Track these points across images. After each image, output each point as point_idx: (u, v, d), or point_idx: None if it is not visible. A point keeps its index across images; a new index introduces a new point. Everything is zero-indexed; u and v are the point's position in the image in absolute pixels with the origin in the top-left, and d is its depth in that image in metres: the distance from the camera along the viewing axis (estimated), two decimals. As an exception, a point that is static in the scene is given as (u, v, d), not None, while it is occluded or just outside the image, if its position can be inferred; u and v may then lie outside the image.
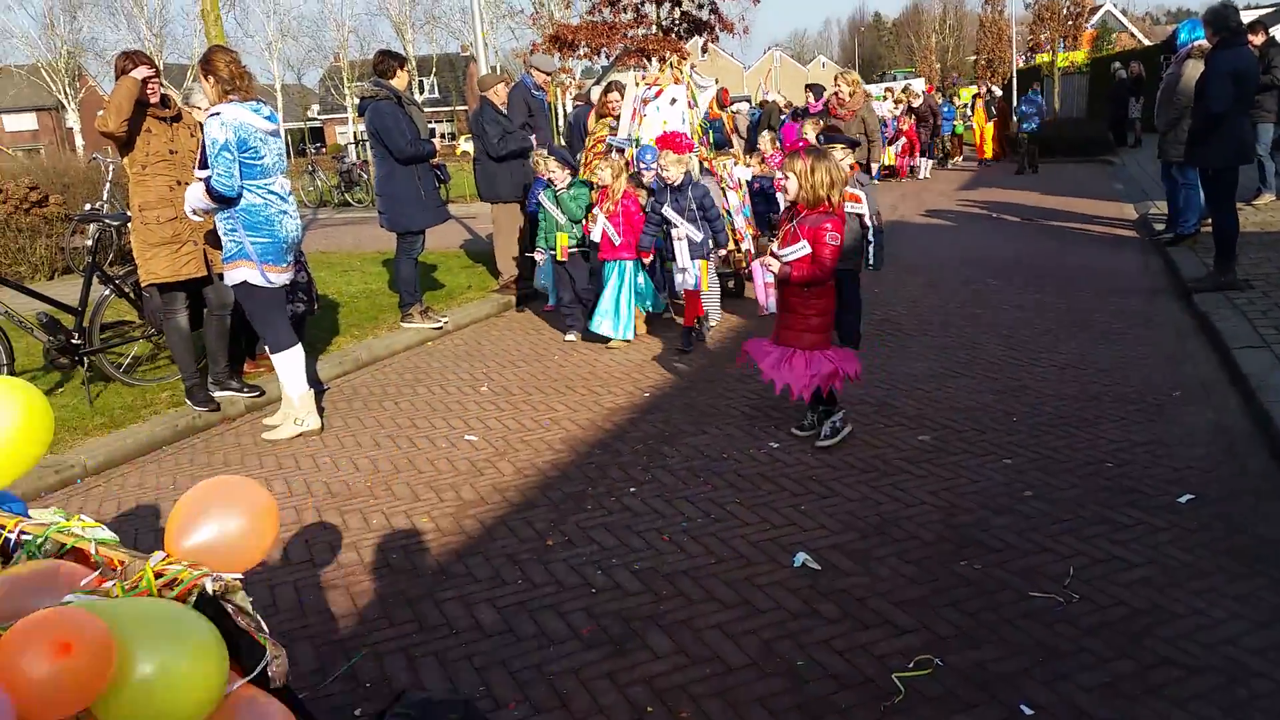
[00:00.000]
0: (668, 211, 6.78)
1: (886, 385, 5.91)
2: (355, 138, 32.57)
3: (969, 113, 24.06)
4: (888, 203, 14.91)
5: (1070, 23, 33.31)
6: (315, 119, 63.62)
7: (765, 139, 10.02)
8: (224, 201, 5.24)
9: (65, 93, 46.34)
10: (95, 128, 5.90)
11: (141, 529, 4.55)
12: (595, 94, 11.46)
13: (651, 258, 7.30)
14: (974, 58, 54.14)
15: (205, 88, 5.36)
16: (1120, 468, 4.44)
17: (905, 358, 6.49)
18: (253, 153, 5.26)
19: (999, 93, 24.49)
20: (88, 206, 12.17)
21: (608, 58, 31.49)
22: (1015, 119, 20.00)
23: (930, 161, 21.00)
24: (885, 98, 22.17)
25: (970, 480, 4.42)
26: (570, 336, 7.81)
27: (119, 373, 6.64)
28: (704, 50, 32.92)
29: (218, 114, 5.18)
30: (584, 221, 7.59)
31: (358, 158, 26.03)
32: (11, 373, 6.07)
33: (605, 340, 7.48)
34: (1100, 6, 49.45)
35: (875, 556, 3.73)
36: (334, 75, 54.41)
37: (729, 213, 8.08)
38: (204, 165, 5.27)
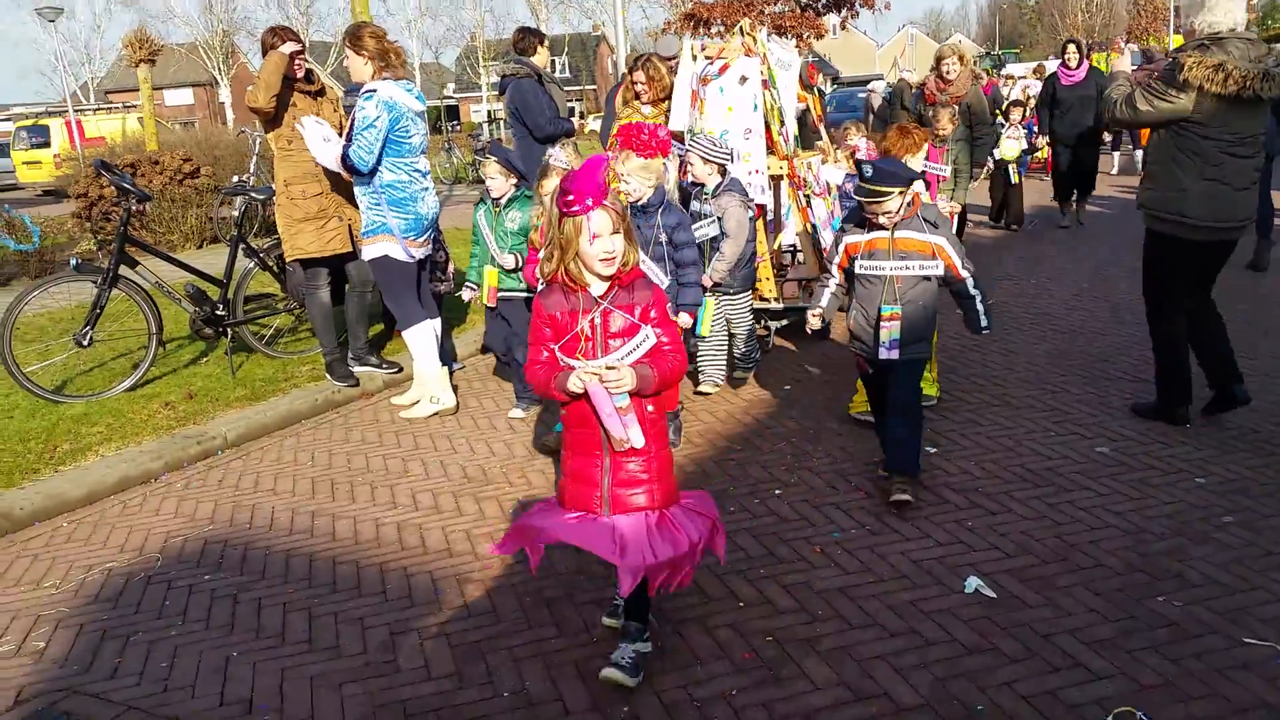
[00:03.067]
0: None
1: (1050, 384, 5.43)
2: (489, 116, 32.95)
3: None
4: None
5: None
6: (451, 97, 64.99)
7: (853, 131, 7.88)
8: (353, 172, 5.23)
9: (219, 69, 48.51)
10: (245, 103, 5.93)
11: (278, 507, 4.51)
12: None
13: None
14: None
15: (354, 62, 5.30)
16: (1340, 496, 3.91)
17: (1053, 347, 5.97)
18: (403, 131, 5.24)
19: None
20: (235, 179, 12.56)
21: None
22: None
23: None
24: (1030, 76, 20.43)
25: (1160, 501, 3.96)
26: (516, 412, 5.56)
27: (261, 344, 6.71)
28: (841, 27, 31.92)
29: (374, 91, 5.14)
30: (524, 254, 5.21)
31: (491, 135, 26.28)
32: (160, 342, 6.19)
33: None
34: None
35: (1058, 586, 3.34)
36: (470, 54, 55.26)
37: (814, 228, 6.42)
38: (350, 137, 5.24)
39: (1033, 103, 14.52)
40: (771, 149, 6.28)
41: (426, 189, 5.47)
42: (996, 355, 6.14)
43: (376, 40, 5.28)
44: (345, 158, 5.20)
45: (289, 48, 5.64)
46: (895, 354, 4.01)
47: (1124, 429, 4.76)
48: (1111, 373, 5.64)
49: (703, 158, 5.33)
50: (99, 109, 32.94)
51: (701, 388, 5.69)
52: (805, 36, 27.92)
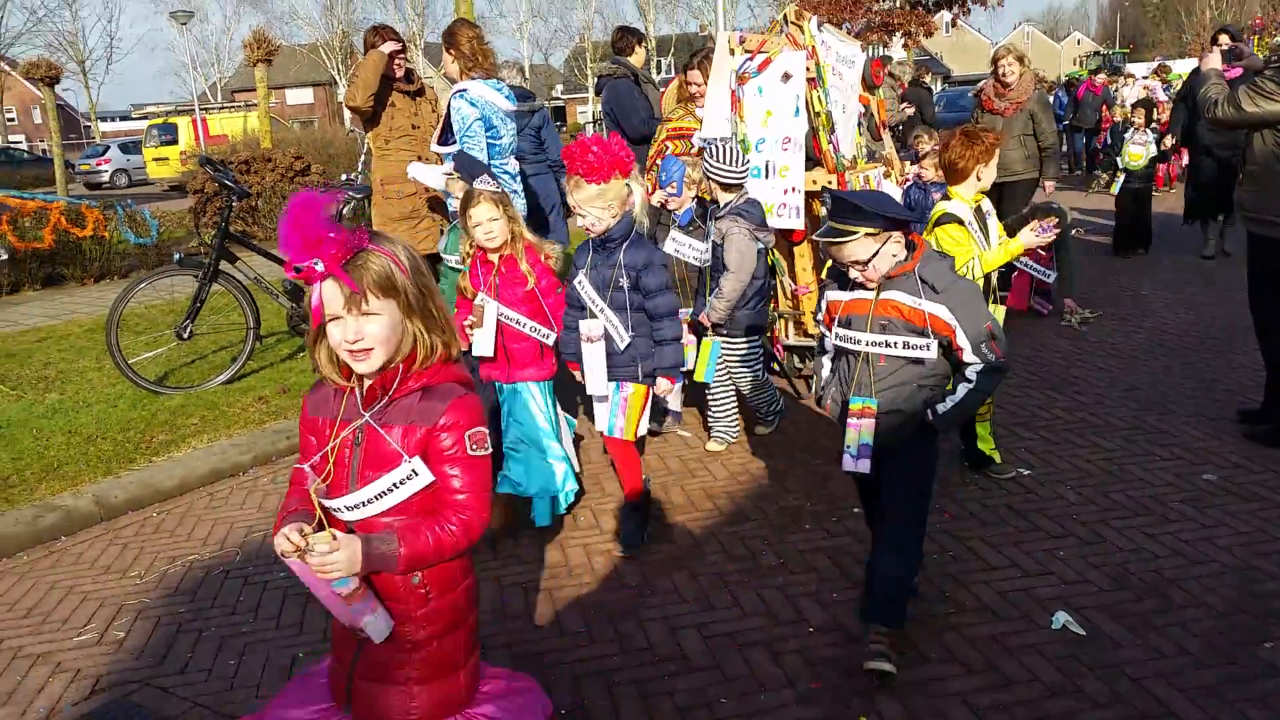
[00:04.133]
0: (581, 284, 3.75)
1: (1156, 404, 5.11)
2: (593, 117, 33.20)
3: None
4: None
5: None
6: (559, 98, 65.78)
7: (924, 138, 7.28)
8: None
9: (338, 69, 50.15)
10: (344, 102, 6.04)
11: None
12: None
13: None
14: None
15: (446, 61, 5.37)
16: None
17: (1154, 367, 5.62)
18: (494, 132, 5.25)
19: None
20: (344, 177, 12.92)
21: (849, 33, 30.35)
22: None
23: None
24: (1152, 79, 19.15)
25: (1271, 536, 3.67)
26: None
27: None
28: (952, 25, 31.11)
29: (464, 90, 5.17)
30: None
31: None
32: (257, 336, 6.36)
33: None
34: None
35: (1153, 625, 3.11)
36: (578, 56, 55.81)
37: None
38: (442, 141, 5.28)
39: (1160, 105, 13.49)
40: (820, 160, 5.34)
41: (516, 192, 5.47)
42: (1095, 372, 5.82)
43: (470, 41, 5.32)
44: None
45: (388, 47, 5.72)
46: (865, 466, 2.90)
47: (1234, 455, 4.44)
48: (1223, 394, 5.29)
49: (706, 174, 4.62)
50: (224, 108, 34.42)
51: (710, 445, 4.93)
52: (915, 34, 27.29)
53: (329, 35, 50.06)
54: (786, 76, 5.14)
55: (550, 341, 3.90)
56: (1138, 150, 9.45)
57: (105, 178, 30.56)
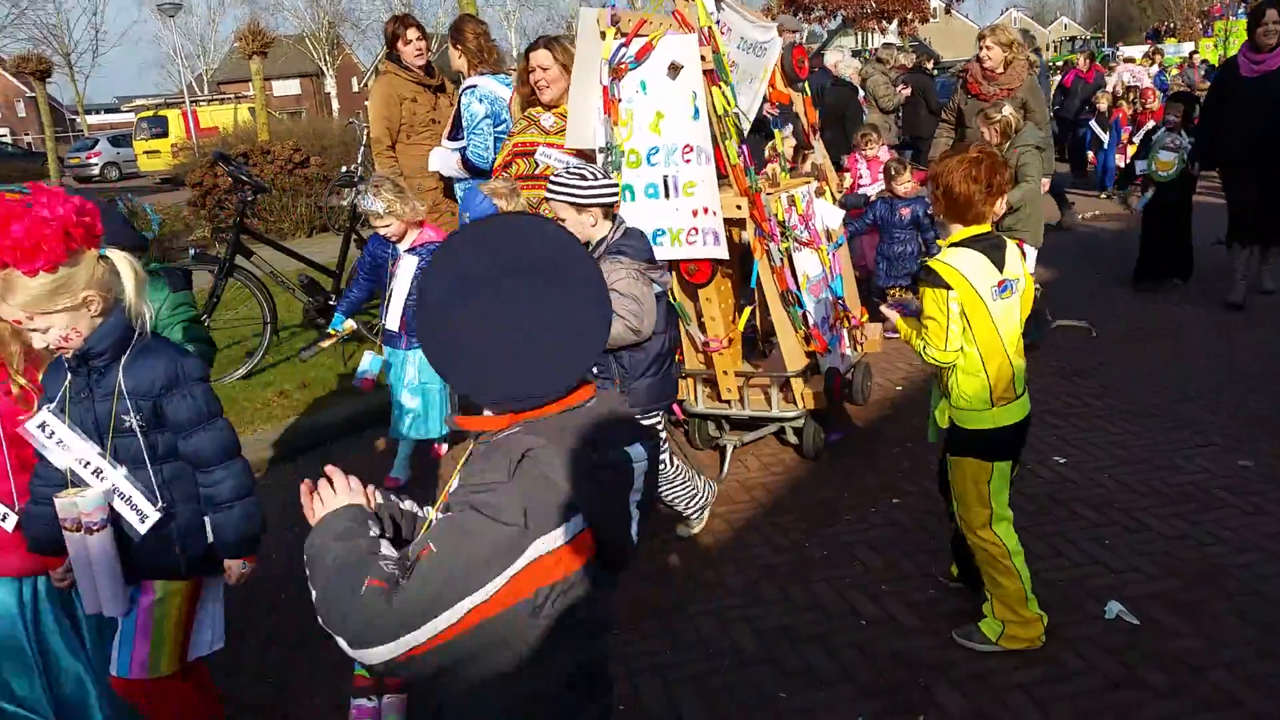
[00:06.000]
0: (48, 433, 2.26)
1: (1184, 391, 5.11)
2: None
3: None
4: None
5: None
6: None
7: (873, 138, 6.90)
8: (477, 173, 5.22)
9: (325, 60, 49.74)
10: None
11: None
12: (830, 60, 10.59)
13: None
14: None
15: (453, 56, 5.35)
16: None
17: (1190, 350, 5.61)
18: (503, 127, 5.21)
19: None
20: (343, 169, 12.79)
21: (844, 20, 30.29)
22: None
23: None
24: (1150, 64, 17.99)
25: (1316, 523, 3.67)
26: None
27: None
28: (947, 11, 31.06)
29: (474, 87, 5.15)
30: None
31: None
32: (274, 330, 6.31)
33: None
34: None
35: (1209, 614, 3.11)
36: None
37: (795, 297, 4.35)
38: (453, 136, 5.26)
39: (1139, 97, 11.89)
40: (724, 176, 4.13)
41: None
42: (1121, 359, 5.79)
43: (476, 37, 5.31)
44: (465, 159, 5.20)
45: (413, 47, 5.62)
46: None
47: (1270, 442, 4.43)
48: (1256, 382, 5.28)
49: (550, 196, 3.35)
50: (212, 100, 34.19)
51: (684, 530, 3.94)
52: (909, 19, 27.25)
53: (315, 26, 49.63)
54: (675, 69, 3.90)
55: None
56: (1168, 157, 7.07)
57: (95, 171, 30.30)
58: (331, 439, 5.38)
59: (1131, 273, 7.48)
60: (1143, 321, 6.57)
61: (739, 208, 4.14)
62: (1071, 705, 2.71)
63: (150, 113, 30.66)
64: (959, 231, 2.90)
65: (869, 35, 21.11)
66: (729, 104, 4.04)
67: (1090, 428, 4.74)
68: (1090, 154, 13.36)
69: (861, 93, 10.46)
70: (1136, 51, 23.83)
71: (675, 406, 4.23)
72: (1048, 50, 47.12)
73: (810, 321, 4.44)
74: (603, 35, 4.01)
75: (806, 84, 5.19)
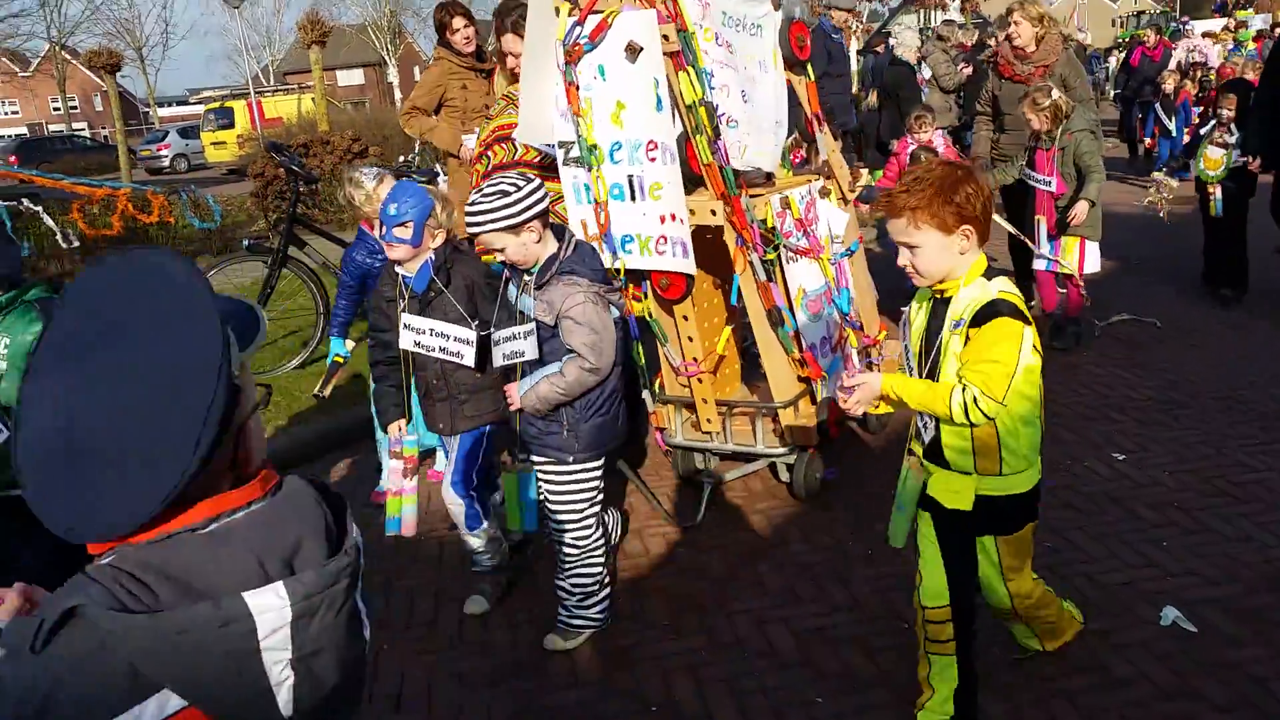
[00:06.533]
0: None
1: (1251, 382, 4.88)
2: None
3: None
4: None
5: None
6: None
7: (926, 120, 6.52)
8: None
9: (387, 49, 50.30)
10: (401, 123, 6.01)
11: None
12: (898, 40, 10.39)
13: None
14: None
15: (509, 41, 5.27)
16: None
17: (1254, 347, 5.36)
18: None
19: None
20: (400, 159, 12.93)
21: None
22: None
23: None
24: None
25: (1393, 526, 3.49)
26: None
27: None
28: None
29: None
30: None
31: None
32: (328, 320, 6.36)
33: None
34: None
35: (1272, 621, 2.97)
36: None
37: (791, 317, 3.82)
38: None
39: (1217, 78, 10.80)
40: (702, 179, 3.63)
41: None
42: (1182, 348, 5.57)
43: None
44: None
45: (460, 35, 5.62)
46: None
47: (1345, 439, 4.23)
48: (1328, 372, 5.04)
49: (476, 226, 2.83)
50: (277, 91, 34.77)
51: (548, 641, 3.20)
52: (973, -2, 26.54)
53: (378, 15, 50.19)
54: (634, 50, 3.34)
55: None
56: (1217, 154, 6.22)
57: (165, 163, 31.07)
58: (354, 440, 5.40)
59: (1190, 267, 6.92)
60: (1205, 317, 6.30)
61: (713, 213, 3.60)
62: (1120, 716, 2.61)
63: (217, 104, 31.29)
64: (981, 256, 2.34)
65: (932, 13, 20.60)
66: (698, 93, 3.43)
67: (1152, 421, 4.57)
68: (1148, 139, 12.40)
69: (923, 72, 10.23)
70: (1215, 25, 22.36)
71: (658, 437, 4.09)
72: (1115, 26, 45.35)
73: (804, 343, 3.91)
74: (556, 11, 3.47)
75: (809, 66, 4.47)
